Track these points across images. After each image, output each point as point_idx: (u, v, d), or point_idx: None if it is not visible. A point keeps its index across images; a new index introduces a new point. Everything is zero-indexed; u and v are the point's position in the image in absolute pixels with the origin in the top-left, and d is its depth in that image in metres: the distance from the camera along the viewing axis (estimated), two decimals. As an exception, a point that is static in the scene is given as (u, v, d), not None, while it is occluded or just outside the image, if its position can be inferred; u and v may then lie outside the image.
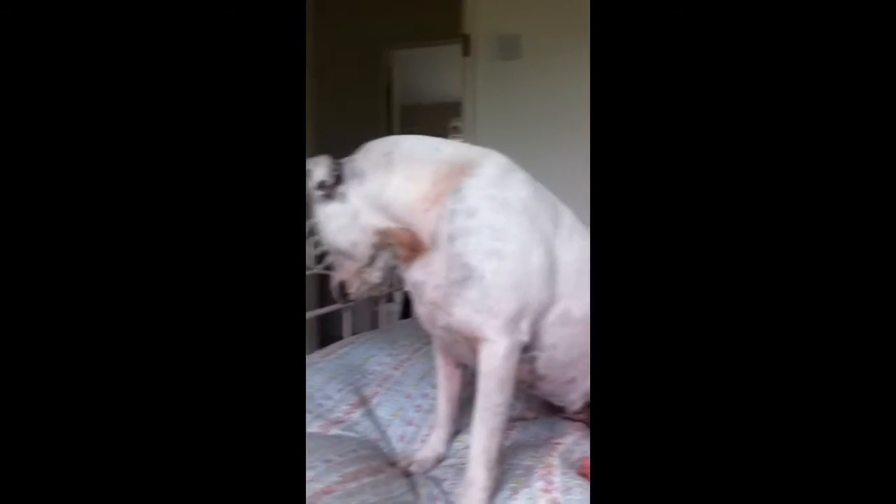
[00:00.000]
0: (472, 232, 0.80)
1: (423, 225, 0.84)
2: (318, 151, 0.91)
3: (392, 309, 2.72)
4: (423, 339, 1.43)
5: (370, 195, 0.86)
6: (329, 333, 2.70)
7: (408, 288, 0.91)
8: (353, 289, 0.96)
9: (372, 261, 0.92)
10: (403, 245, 0.88)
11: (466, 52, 2.37)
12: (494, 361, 0.82)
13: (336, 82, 3.67)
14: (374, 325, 2.50)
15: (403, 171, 0.85)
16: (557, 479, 0.78)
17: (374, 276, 0.95)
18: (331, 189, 0.87)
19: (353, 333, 1.61)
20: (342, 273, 0.96)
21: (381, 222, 0.87)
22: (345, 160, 0.89)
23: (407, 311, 3.02)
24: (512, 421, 1.11)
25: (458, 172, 0.84)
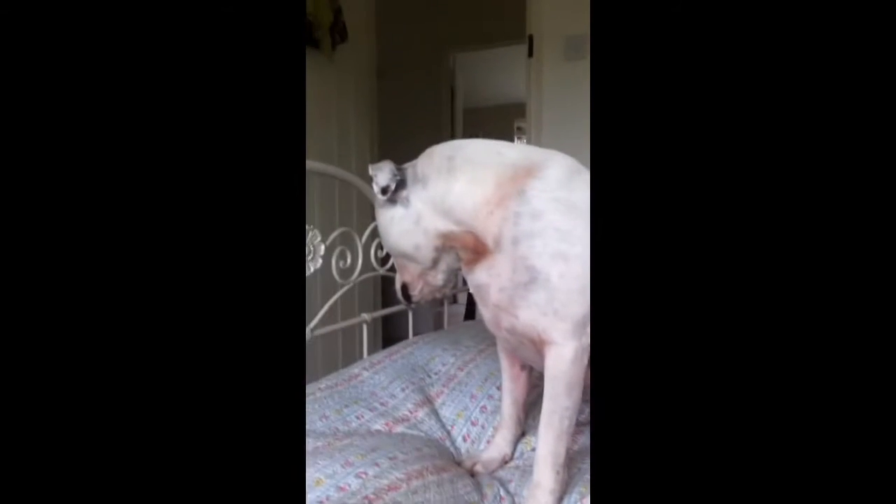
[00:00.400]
0: (537, 234, 0.79)
1: (487, 228, 0.83)
2: (382, 155, 0.92)
3: (456, 310, 2.72)
4: (487, 340, 1.42)
5: (433, 199, 0.86)
6: (392, 334, 2.73)
7: (472, 290, 0.90)
8: (416, 291, 0.96)
9: (435, 264, 0.92)
10: (467, 248, 0.87)
11: (531, 52, 2.35)
12: (562, 365, 0.80)
13: (399, 85, 3.72)
14: (437, 326, 2.51)
15: (466, 174, 0.84)
16: (628, 485, 0.75)
17: (438, 278, 0.94)
18: (394, 194, 0.88)
19: (416, 334, 1.61)
20: (405, 275, 0.96)
21: (444, 226, 0.86)
22: (407, 165, 0.90)
23: (471, 312, 3.02)
24: (580, 425, 1.08)
25: (523, 175, 0.83)
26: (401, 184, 0.87)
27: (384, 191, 0.87)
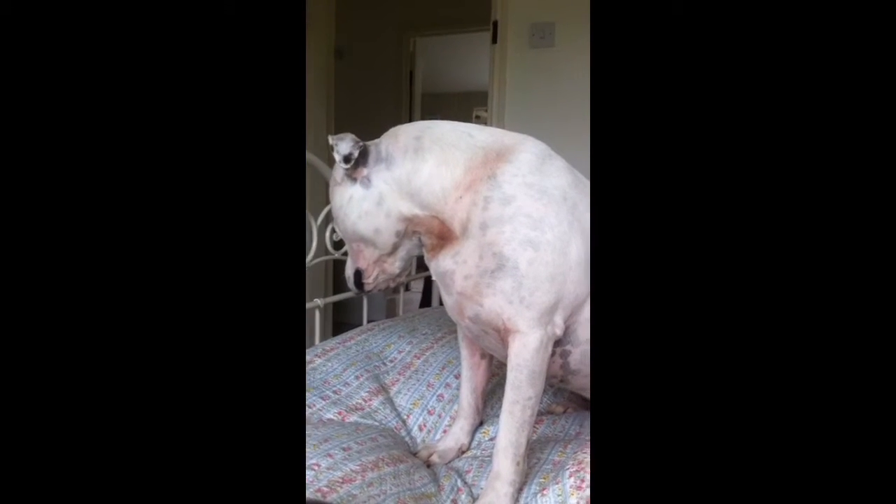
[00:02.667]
0: (507, 220, 0.76)
1: (455, 213, 0.79)
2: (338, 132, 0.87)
3: (410, 298, 2.68)
4: (444, 328, 1.39)
5: (398, 180, 0.81)
6: (344, 320, 2.67)
7: (435, 278, 0.86)
8: (371, 279, 0.90)
9: (394, 249, 0.87)
10: (431, 233, 0.83)
11: (495, 39, 2.32)
12: (526, 354, 0.78)
13: (358, 66, 3.63)
14: (390, 314, 2.47)
15: (435, 156, 0.80)
16: (590, 476, 0.74)
17: (395, 266, 0.89)
18: (355, 168, 0.82)
19: (369, 321, 1.57)
20: (360, 261, 0.90)
21: (408, 209, 0.82)
22: (370, 143, 0.84)
23: (427, 299, 2.99)
24: (539, 415, 1.07)
25: (495, 159, 0.80)
26: (362, 157, 0.82)
27: (346, 159, 0.80)
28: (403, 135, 0.84)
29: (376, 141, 0.85)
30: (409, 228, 0.84)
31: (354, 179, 0.83)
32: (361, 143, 0.82)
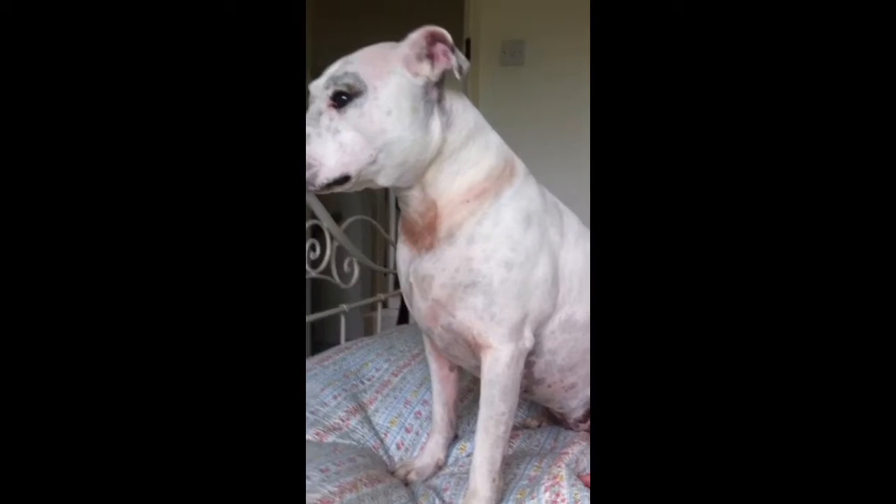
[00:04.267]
0: (492, 239, 0.78)
1: (453, 213, 0.79)
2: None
3: (388, 315, 2.69)
4: (421, 344, 1.39)
5: (448, 141, 0.77)
6: (322, 339, 2.66)
7: (412, 280, 0.85)
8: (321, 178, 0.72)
9: (399, 172, 0.76)
10: (413, 219, 0.82)
11: (468, 56, 2.36)
12: (497, 369, 0.80)
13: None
14: (368, 331, 2.46)
15: (476, 151, 0.80)
16: (565, 490, 0.75)
17: (380, 178, 0.76)
18: (436, 85, 0.75)
19: (347, 340, 1.57)
20: (345, 157, 0.72)
21: (424, 164, 0.77)
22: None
23: (404, 316, 2.99)
24: (514, 430, 1.08)
25: (507, 174, 0.82)
26: (441, 87, 0.77)
27: (441, 75, 0.75)
28: (470, 111, 0.81)
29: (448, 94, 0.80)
30: (402, 190, 0.79)
31: (428, 88, 0.75)
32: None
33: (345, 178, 0.73)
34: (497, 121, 0.87)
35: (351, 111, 0.71)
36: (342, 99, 0.71)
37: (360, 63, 0.73)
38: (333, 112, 0.72)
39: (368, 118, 0.71)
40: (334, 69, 0.74)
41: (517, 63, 2.25)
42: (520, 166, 0.85)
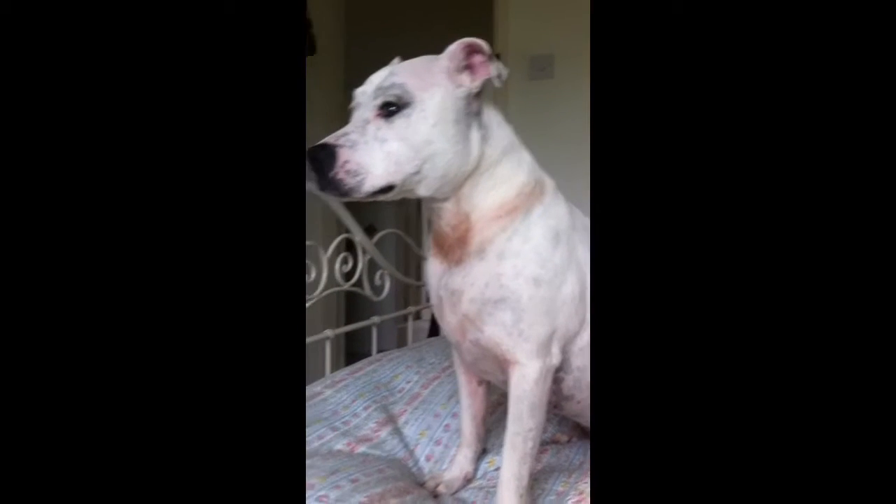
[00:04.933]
0: (522, 255, 0.79)
1: (483, 228, 0.81)
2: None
3: (420, 326, 2.71)
4: (451, 357, 1.41)
5: (481, 152, 0.79)
6: (355, 350, 2.69)
7: (442, 293, 0.86)
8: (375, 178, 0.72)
9: (441, 181, 0.77)
10: (445, 232, 0.83)
11: (498, 70, 2.37)
12: (525, 385, 0.80)
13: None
14: (401, 342, 2.49)
15: (509, 167, 0.82)
16: (591, 506, 0.75)
17: (420, 188, 0.77)
18: (476, 97, 0.79)
19: (379, 350, 1.60)
20: (391, 167, 0.73)
21: (463, 177, 0.79)
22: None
23: (435, 329, 3.00)
24: (544, 444, 1.08)
25: (538, 192, 0.83)
26: (479, 98, 0.80)
27: (500, 76, 0.78)
28: (505, 127, 0.84)
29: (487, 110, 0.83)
30: (438, 202, 0.80)
31: (469, 100, 0.78)
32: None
33: (389, 188, 0.74)
34: (527, 135, 0.89)
35: (399, 121, 0.73)
36: (390, 109, 0.73)
37: (407, 75, 0.75)
38: (381, 121, 0.73)
39: (415, 129, 0.73)
40: (381, 79, 0.76)
41: (547, 77, 2.26)
42: (549, 184, 0.86)
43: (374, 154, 0.72)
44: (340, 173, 0.71)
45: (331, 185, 0.72)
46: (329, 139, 0.73)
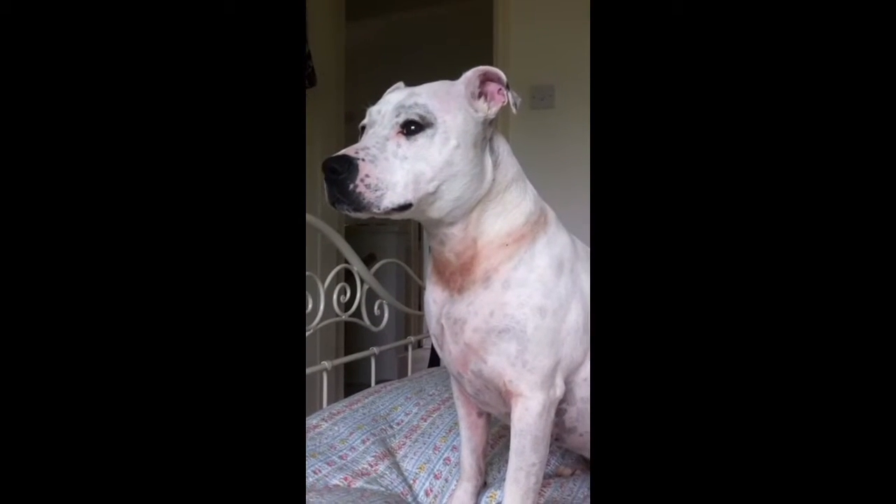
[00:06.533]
0: (527, 285, 0.78)
1: (489, 256, 0.79)
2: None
3: (421, 355, 2.67)
4: (451, 388, 1.38)
5: (492, 183, 0.79)
6: (355, 381, 2.66)
7: (444, 322, 0.84)
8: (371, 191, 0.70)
9: (455, 201, 0.76)
10: (448, 258, 0.81)
11: (498, 101, 2.40)
12: (528, 419, 0.78)
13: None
14: (402, 371, 2.45)
15: (518, 192, 0.82)
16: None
17: (433, 209, 0.76)
18: (489, 124, 0.79)
19: (379, 380, 1.57)
20: (410, 183, 0.72)
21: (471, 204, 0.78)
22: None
23: (435, 359, 2.97)
24: (546, 478, 1.05)
25: (543, 222, 0.83)
26: (492, 125, 0.80)
27: (516, 105, 0.78)
28: (512, 156, 0.84)
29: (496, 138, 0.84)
30: (445, 227, 0.79)
31: (485, 126, 0.79)
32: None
33: (407, 205, 0.73)
34: (528, 163, 0.88)
35: (421, 141, 0.72)
36: (411, 128, 0.73)
37: (428, 96, 0.75)
38: (402, 139, 0.73)
39: (438, 150, 0.73)
40: (402, 97, 0.75)
41: (547, 106, 2.28)
42: (551, 214, 0.86)
43: (394, 170, 0.71)
44: (360, 187, 0.69)
45: (348, 198, 0.70)
46: (347, 151, 0.71)
